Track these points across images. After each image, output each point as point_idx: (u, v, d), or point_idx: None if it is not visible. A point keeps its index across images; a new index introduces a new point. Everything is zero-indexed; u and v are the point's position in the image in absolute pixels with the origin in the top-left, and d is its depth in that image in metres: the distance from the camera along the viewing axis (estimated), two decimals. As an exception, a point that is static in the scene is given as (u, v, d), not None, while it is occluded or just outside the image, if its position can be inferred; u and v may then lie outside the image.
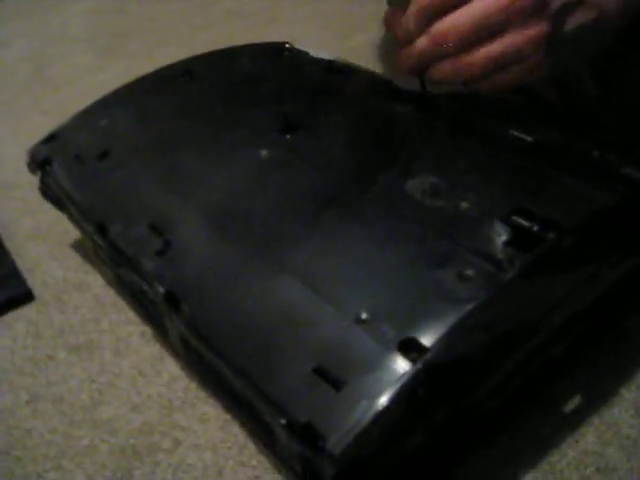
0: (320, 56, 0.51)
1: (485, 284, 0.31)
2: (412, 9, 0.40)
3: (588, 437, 0.36)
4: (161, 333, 0.43)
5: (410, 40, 0.41)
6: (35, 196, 0.52)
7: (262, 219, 0.38)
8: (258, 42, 0.56)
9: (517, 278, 0.31)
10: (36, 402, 0.43)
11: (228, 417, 0.40)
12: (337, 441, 0.28)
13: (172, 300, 0.37)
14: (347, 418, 0.28)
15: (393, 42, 0.45)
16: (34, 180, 0.51)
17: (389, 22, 0.44)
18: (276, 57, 0.53)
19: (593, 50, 0.42)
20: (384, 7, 0.46)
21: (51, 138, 0.51)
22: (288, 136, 0.43)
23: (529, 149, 0.38)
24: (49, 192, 0.50)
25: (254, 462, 0.38)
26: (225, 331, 0.34)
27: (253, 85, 0.49)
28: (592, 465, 0.34)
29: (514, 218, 0.33)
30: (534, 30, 0.37)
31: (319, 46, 0.54)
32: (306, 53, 0.53)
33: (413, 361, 0.29)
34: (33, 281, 0.52)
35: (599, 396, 0.37)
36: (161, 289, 0.37)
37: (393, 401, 0.28)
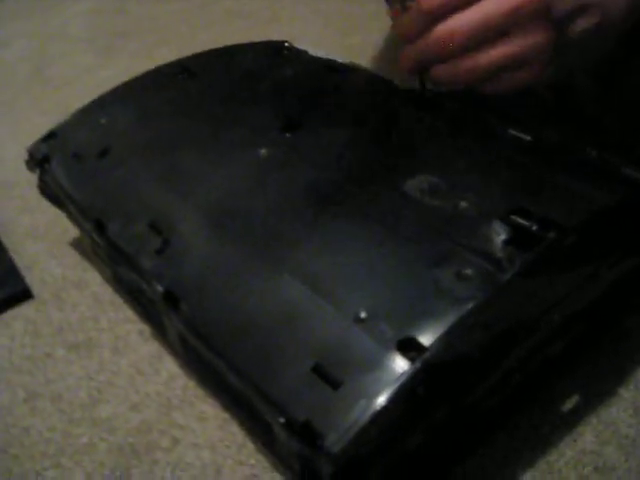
0: (319, 55, 0.51)
1: (484, 283, 0.30)
2: (416, 8, 0.40)
3: (586, 436, 0.36)
4: (160, 332, 0.43)
5: (412, 40, 0.41)
6: (34, 194, 0.52)
7: (261, 218, 0.38)
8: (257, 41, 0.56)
9: (516, 277, 0.31)
10: (34, 400, 0.43)
11: (226, 416, 0.40)
12: (336, 440, 0.28)
13: (171, 299, 0.36)
14: (346, 417, 0.28)
15: (393, 42, 0.45)
16: (33, 179, 0.51)
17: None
18: (275, 56, 0.53)
19: (596, 55, 0.42)
20: (384, 7, 0.46)
21: (50, 136, 0.50)
22: (288, 135, 0.43)
23: (529, 149, 0.38)
24: (48, 190, 0.49)
25: (252, 461, 0.38)
26: (224, 330, 0.34)
27: (253, 83, 0.49)
28: (590, 464, 0.34)
29: (513, 217, 0.33)
30: (538, 35, 0.37)
31: (319, 45, 0.54)
32: (305, 52, 0.53)
33: (412, 360, 0.29)
34: (31, 279, 0.52)
35: (597, 395, 0.37)
36: (160, 288, 0.37)
37: (392, 400, 0.28)
